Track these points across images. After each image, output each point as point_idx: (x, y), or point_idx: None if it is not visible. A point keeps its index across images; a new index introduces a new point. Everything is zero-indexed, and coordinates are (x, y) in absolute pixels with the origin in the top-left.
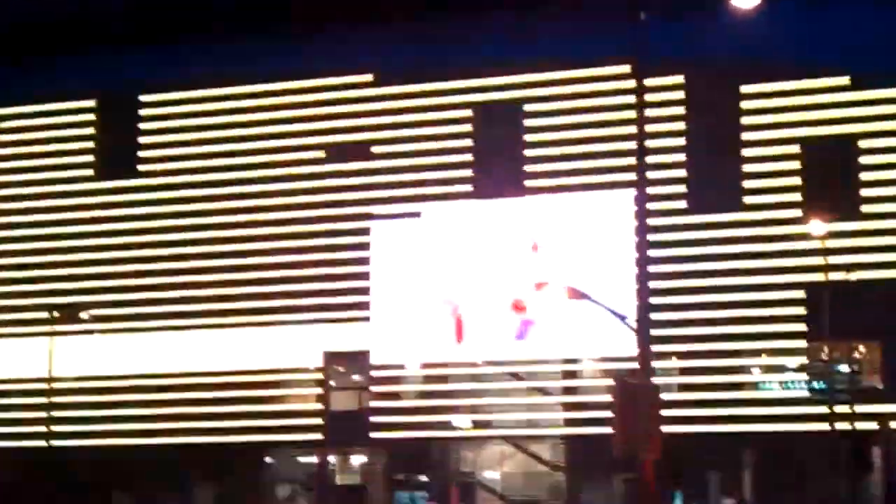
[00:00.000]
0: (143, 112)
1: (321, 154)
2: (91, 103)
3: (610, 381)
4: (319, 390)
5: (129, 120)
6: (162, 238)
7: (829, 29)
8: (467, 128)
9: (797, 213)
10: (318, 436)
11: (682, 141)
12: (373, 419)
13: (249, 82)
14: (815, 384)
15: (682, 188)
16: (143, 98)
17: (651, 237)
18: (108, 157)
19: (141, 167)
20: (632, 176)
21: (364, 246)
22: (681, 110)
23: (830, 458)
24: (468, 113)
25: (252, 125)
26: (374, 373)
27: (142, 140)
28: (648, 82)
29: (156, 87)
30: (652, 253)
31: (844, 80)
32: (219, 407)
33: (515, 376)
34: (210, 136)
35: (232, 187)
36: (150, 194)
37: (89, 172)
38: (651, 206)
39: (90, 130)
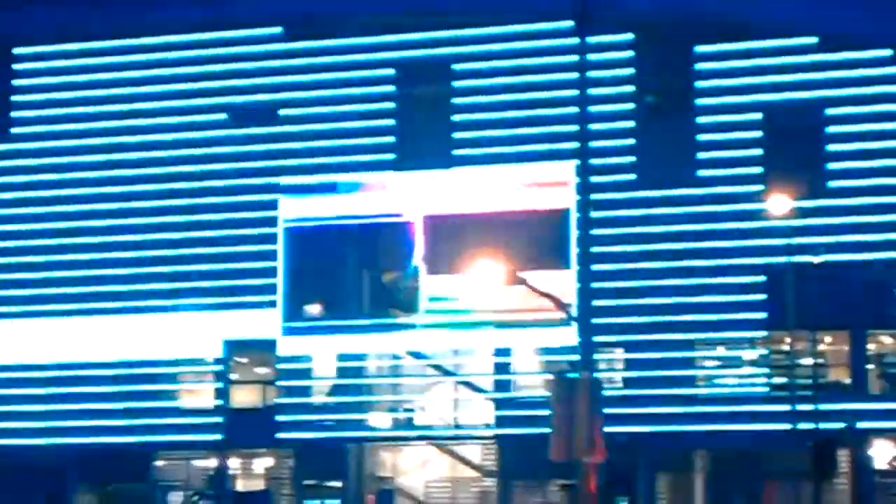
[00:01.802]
0: (16, 67)
1: (222, 117)
2: None
3: (547, 375)
4: (218, 384)
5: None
6: (36, 210)
7: None
8: (389, 89)
9: (758, 187)
10: (216, 436)
11: (630, 106)
12: (279, 417)
13: (140, 34)
14: (776, 379)
15: (629, 159)
16: (17, 51)
17: (594, 214)
18: None
19: (14, 130)
20: (574, 145)
21: (271, 221)
22: (629, 72)
23: (792, 461)
24: (390, 72)
25: (143, 83)
26: (280, 365)
27: (14, 99)
28: (592, 40)
29: (31, 40)
30: (595, 231)
31: (812, 41)
32: (102, 403)
33: (441, 369)
34: (93, 95)
35: (119, 154)
36: (23, 160)
37: None
38: (595, 178)
39: None
